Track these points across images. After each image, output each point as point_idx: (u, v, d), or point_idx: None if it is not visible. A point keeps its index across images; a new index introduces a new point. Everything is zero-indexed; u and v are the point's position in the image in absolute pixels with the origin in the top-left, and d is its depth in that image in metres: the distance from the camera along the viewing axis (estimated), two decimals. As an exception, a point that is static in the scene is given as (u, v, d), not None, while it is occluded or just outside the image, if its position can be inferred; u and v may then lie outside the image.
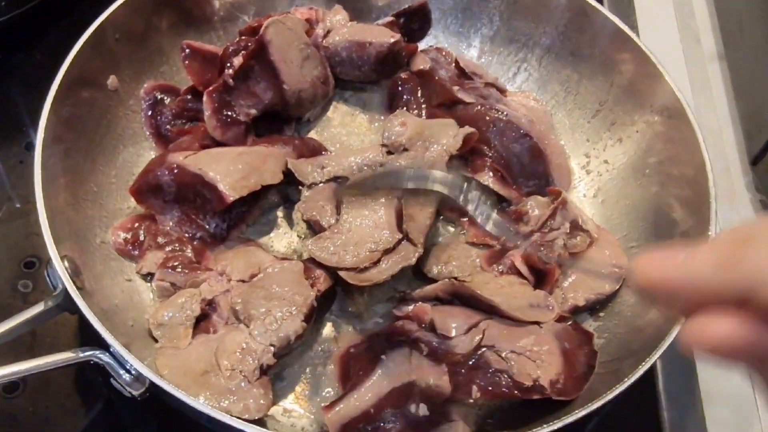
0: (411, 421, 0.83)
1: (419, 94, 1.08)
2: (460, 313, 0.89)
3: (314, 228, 0.95)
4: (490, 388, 0.83)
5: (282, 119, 1.07)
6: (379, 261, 0.91)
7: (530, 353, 0.85)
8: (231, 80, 0.99)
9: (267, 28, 1.00)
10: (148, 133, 1.07)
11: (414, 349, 0.85)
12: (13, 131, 1.17)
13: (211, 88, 1.00)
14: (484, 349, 0.85)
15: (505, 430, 0.83)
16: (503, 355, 0.85)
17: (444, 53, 1.13)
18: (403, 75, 1.10)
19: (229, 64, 1.00)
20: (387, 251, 0.92)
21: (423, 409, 0.83)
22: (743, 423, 0.94)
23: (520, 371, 0.84)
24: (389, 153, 0.99)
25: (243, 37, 1.04)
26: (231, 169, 0.94)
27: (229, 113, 1.01)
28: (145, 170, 0.98)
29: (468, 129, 1.00)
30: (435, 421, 0.84)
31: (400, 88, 1.09)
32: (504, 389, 0.83)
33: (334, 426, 0.81)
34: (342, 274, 0.90)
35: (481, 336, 0.86)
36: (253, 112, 1.02)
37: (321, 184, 0.96)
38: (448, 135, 0.98)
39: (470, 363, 0.85)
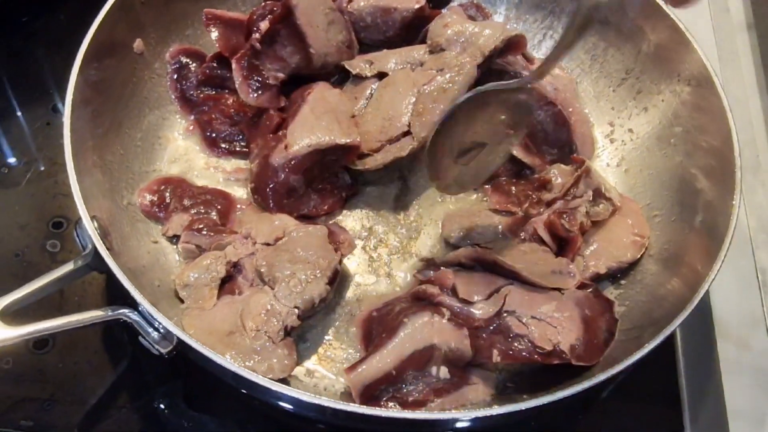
0: (432, 384, 0.84)
1: None
2: (482, 279, 0.89)
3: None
4: (510, 352, 0.84)
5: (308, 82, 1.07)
6: (380, 149, 0.96)
7: (551, 319, 0.86)
8: (258, 44, 0.99)
9: None
10: (173, 96, 1.08)
11: (436, 314, 0.86)
12: (38, 93, 1.18)
13: (238, 55, 1.01)
14: (505, 314, 0.86)
15: (525, 393, 0.84)
16: (524, 320, 0.86)
17: (483, 11, 1.12)
18: None
19: (255, 29, 1.00)
20: (390, 141, 0.97)
21: (444, 372, 0.84)
22: (760, 394, 0.95)
23: (540, 336, 0.84)
24: (430, 53, 1.01)
25: (269, 2, 1.04)
26: (326, 124, 0.95)
27: (259, 78, 1.02)
28: (262, 187, 0.97)
29: (513, 31, 1.02)
30: (456, 384, 0.85)
31: None
32: (524, 353, 0.84)
33: (356, 387, 0.82)
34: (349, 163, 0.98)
35: (502, 302, 0.87)
36: (281, 75, 1.02)
37: (366, 80, 1.02)
38: (486, 35, 1.00)
39: (491, 328, 0.86)
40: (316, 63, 1.04)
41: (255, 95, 1.01)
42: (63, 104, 1.14)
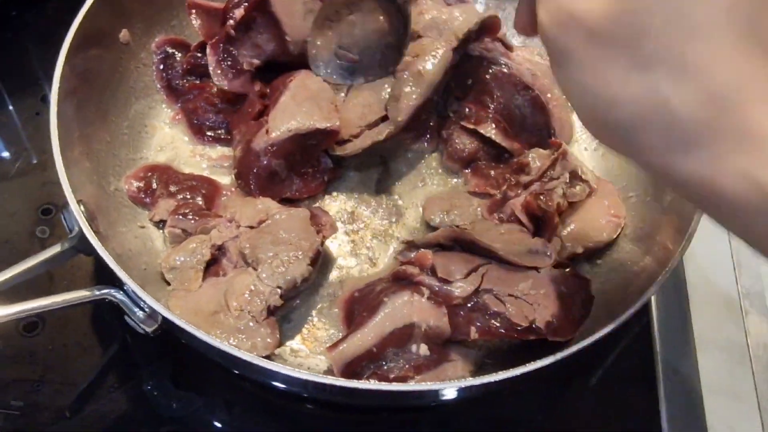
0: (412, 360, 0.86)
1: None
2: (461, 259, 0.92)
3: None
4: (488, 329, 0.87)
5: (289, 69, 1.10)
6: (359, 134, 0.98)
7: (527, 296, 0.88)
8: (233, 31, 1.01)
9: None
10: (159, 86, 1.10)
11: (415, 293, 0.88)
12: (28, 84, 1.20)
13: (213, 41, 1.03)
14: (483, 292, 0.89)
15: (503, 369, 0.86)
16: (501, 298, 0.88)
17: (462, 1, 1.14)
18: None
19: (230, 16, 1.02)
20: (369, 126, 0.99)
21: (424, 349, 0.87)
22: (735, 367, 0.97)
23: (517, 313, 0.87)
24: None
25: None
26: (307, 110, 0.97)
27: (233, 64, 1.04)
28: (245, 172, 0.99)
29: (487, 13, 1.04)
30: (435, 360, 0.87)
31: None
32: (501, 330, 0.87)
33: (337, 364, 0.84)
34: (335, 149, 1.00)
35: (480, 280, 0.89)
36: (256, 62, 1.04)
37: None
38: (461, 19, 1.02)
39: (469, 305, 0.88)
40: (292, 51, 1.05)
41: (228, 80, 1.04)
42: (43, 98, 1.17)
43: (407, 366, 0.86)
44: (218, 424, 0.92)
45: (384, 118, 1.00)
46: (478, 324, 0.87)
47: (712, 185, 0.51)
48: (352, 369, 0.85)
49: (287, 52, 1.05)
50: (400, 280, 0.92)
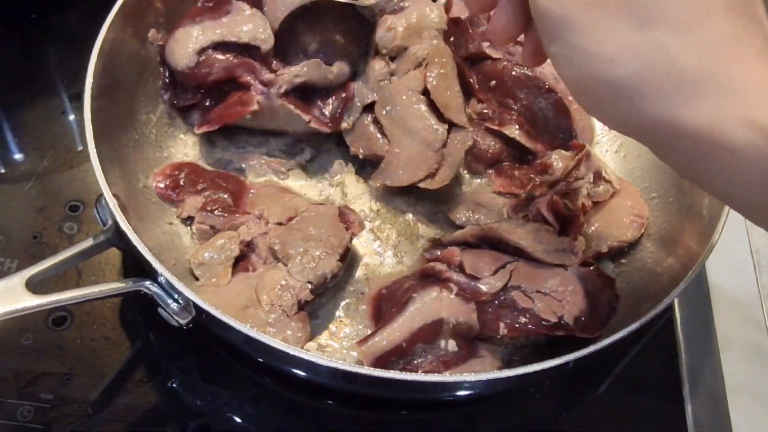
0: (440, 356, 0.87)
1: (450, 41, 1.11)
2: (488, 256, 0.92)
3: (371, 160, 1.03)
4: (516, 325, 0.87)
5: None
6: (442, 158, 0.97)
7: (555, 293, 0.89)
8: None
9: None
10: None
11: (444, 289, 0.89)
12: (51, 85, 1.21)
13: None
14: (511, 289, 0.89)
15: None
16: (529, 294, 0.89)
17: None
18: None
19: None
20: (444, 146, 0.99)
21: (452, 345, 0.87)
22: (757, 368, 0.98)
23: (545, 309, 0.87)
24: (392, 59, 1.04)
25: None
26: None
27: None
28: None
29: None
30: (463, 356, 0.88)
31: None
32: (530, 326, 0.87)
33: (368, 358, 0.85)
34: (422, 186, 0.99)
35: (508, 277, 0.90)
36: None
37: (358, 119, 1.03)
38: (431, 16, 1.04)
39: (497, 302, 0.89)
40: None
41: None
42: (75, 95, 1.19)
43: (436, 361, 0.87)
44: (244, 419, 0.92)
45: (450, 129, 1.02)
46: (507, 320, 0.88)
47: (712, 133, 0.54)
48: (381, 363, 0.85)
49: None
50: (428, 278, 0.92)
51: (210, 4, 1.02)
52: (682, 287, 0.84)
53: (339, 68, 1.02)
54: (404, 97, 1.02)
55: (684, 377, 0.99)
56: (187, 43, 1.00)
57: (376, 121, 1.03)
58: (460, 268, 0.91)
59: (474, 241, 0.95)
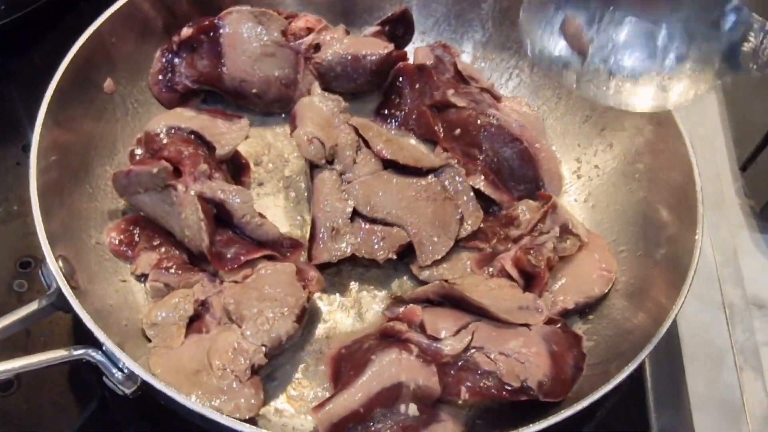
0: (401, 421, 0.84)
1: (415, 87, 1.10)
2: (450, 315, 0.90)
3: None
4: (478, 389, 0.84)
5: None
6: (455, 204, 1.01)
7: (518, 355, 0.86)
8: (175, 47, 1.08)
9: (229, 13, 1.08)
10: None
11: (404, 350, 0.86)
12: (10, 133, 1.18)
13: (164, 47, 1.09)
14: (473, 350, 0.86)
15: (494, 430, 0.84)
16: (492, 356, 0.86)
17: (450, 51, 1.14)
18: (403, 65, 1.12)
19: (179, 32, 1.07)
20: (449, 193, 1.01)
21: (413, 409, 0.84)
22: (730, 426, 0.95)
23: (508, 372, 0.84)
24: (316, 167, 1.00)
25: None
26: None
27: (170, 78, 1.09)
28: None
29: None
30: (424, 421, 0.84)
31: (400, 79, 1.12)
32: (492, 390, 0.84)
33: (323, 425, 0.82)
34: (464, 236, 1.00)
35: (470, 338, 0.87)
36: (189, 84, 1.09)
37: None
38: (323, 106, 1.04)
39: (459, 364, 0.86)
40: (228, 85, 1.09)
41: (158, 91, 1.10)
42: (25, 147, 1.15)
43: (395, 427, 0.84)
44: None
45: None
46: (469, 384, 0.85)
47: None
48: (338, 430, 0.82)
49: (222, 84, 1.10)
50: (387, 337, 0.89)
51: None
52: (654, 343, 0.82)
53: (270, 228, 0.97)
54: (379, 183, 0.99)
55: (654, 433, 0.96)
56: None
57: (373, 221, 0.99)
58: (421, 328, 0.88)
59: (436, 299, 0.93)
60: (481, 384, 0.85)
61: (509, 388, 0.84)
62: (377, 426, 0.84)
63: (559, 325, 0.92)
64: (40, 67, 1.24)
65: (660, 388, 1.00)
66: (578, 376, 0.88)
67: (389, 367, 0.85)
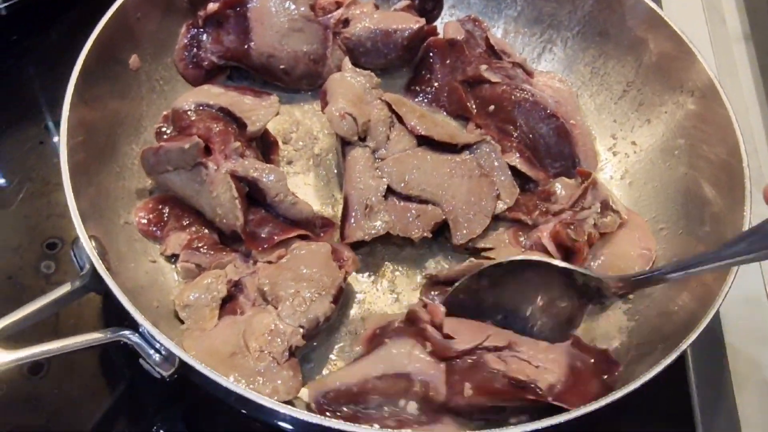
0: (397, 414, 0.80)
1: (446, 63, 1.07)
2: (470, 327, 0.85)
3: None
4: (482, 386, 0.79)
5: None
6: (491, 180, 0.98)
7: (533, 359, 0.81)
8: (201, 21, 1.05)
9: None
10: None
11: (419, 344, 0.82)
12: (30, 113, 1.16)
13: (190, 22, 1.06)
14: (484, 350, 0.82)
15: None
16: (504, 358, 0.82)
17: (481, 25, 1.11)
18: (433, 40, 1.09)
19: (205, 6, 1.04)
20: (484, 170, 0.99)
21: (412, 407, 0.80)
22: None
23: (517, 370, 0.80)
24: (348, 143, 0.98)
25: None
26: None
27: (196, 54, 1.06)
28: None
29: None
30: (424, 421, 0.80)
31: (430, 54, 1.09)
32: (497, 385, 0.79)
33: (311, 396, 0.80)
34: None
35: (484, 338, 0.83)
36: (215, 60, 1.06)
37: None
38: (354, 82, 1.00)
39: (468, 362, 0.81)
40: (254, 60, 1.06)
41: (183, 66, 1.07)
42: (55, 123, 1.13)
43: (391, 419, 0.79)
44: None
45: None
46: (474, 381, 0.80)
47: None
48: (327, 402, 0.79)
49: (249, 60, 1.07)
50: (411, 323, 0.86)
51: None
52: (702, 327, 0.79)
53: (304, 207, 0.94)
54: (413, 159, 0.97)
55: (697, 419, 0.94)
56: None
57: (407, 199, 0.96)
58: (440, 328, 0.85)
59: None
60: (487, 379, 0.79)
61: (515, 383, 0.79)
62: (372, 412, 0.80)
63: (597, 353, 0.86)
64: (58, 46, 1.22)
65: (702, 368, 0.98)
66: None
67: (400, 356, 0.81)
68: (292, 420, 0.73)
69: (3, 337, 0.75)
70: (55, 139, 1.11)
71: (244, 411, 0.81)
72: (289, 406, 0.71)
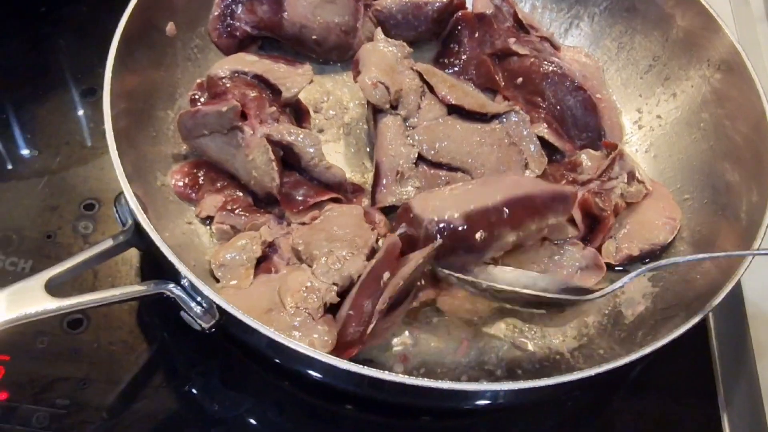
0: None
1: (475, 36, 1.08)
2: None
3: None
4: None
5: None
6: (519, 149, 1.01)
7: None
8: None
9: None
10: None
11: None
12: (62, 80, 1.18)
13: None
14: None
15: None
16: None
17: (507, 1, 1.12)
18: (462, 13, 1.11)
19: None
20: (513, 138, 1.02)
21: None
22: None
23: None
24: (380, 111, 1.00)
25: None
26: None
27: (230, 23, 1.07)
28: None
29: None
30: None
31: (459, 27, 1.11)
32: None
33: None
34: None
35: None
36: (248, 30, 1.08)
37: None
38: (386, 51, 1.02)
39: None
40: (288, 30, 1.08)
41: (217, 35, 1.08)
42: (82, 93, 1.15)
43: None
44: (266, 426, 0.89)
45: None
46: None
47: None
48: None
49: (281, 30, 1.08)
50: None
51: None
52: (723, 294, 0.81)
53: (337, 171, 0.96)
54: (444, 128, 0.99)
55: (719, 385, 0.96)
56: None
57: (438, 166, 0.99)
58: None
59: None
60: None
61: None
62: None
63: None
64: (89, 17, 1.24)
65: (724, 337, 1.00)
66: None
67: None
68: (326, 367, 0.75)
69: (49, 287, 0.77)
70: (87, 106, 1.14)
71: (277, 360, 0.83)
72: (328, 355, 0.73)
